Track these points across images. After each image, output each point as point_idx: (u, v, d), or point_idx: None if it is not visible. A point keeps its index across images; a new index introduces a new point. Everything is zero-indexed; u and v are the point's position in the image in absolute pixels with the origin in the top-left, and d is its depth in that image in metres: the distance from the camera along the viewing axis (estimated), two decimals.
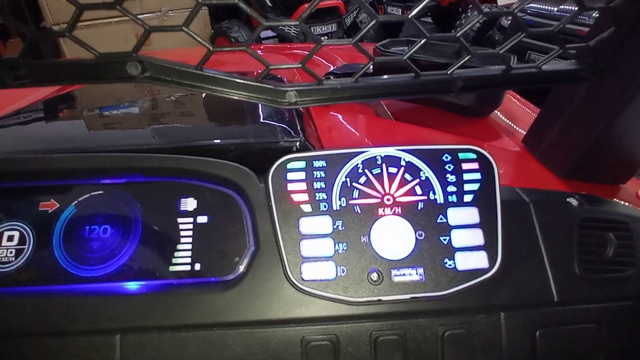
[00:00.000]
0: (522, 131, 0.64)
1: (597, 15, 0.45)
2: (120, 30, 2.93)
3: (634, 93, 0.43)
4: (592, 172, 0.52)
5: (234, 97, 0.35)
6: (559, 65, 0.42)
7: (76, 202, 0.41)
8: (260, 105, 0.59)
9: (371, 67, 0.69)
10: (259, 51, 1.29)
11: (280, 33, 4.24)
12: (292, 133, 0.50)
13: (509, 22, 3.37)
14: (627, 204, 0.48)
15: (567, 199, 0.45)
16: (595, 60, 0.42)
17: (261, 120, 0.56)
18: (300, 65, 0.34)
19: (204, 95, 0.67)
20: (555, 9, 2.87)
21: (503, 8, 0.36)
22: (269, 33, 4.30)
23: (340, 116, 0.66)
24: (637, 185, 0.55)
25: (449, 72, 0.37)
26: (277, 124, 0.53)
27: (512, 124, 0.70)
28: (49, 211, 0.40)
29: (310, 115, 0.64)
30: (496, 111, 0.74)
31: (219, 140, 0.48)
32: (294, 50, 1.29)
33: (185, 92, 0.67)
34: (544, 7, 2.96)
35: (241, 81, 0.34)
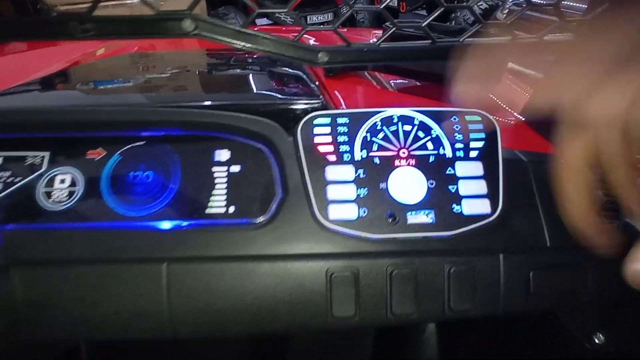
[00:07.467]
0: (510, 106, 0.69)
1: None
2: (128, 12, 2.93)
3: None
4: None
5: (272, 55, 0.39)
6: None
7: (121, 150, 0.45)
8: (282, 74, 0.64)
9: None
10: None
11: (276, 21, 4.26)
12: (314, 95, 0.55)
13: (504, 15, 3.43)
14: None
15: None
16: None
17: (285, 85, 0.61)
18: (332, 28, 0.38)
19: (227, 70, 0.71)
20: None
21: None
22: (265, 21, 4.32)
23: (351, 87, 0.70)
24: None
25: (461, 40, 0.42)
26: (299, 88, 0.58)
27: (510, 100, 0.75)
28: (97, 158, 0.44)
29: (323, 86, 0.69)
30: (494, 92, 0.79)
31: (249, 101, 0.52)
32: (290, 34, 1.34)
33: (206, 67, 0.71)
34: None
35: (279, 40, 0.39)
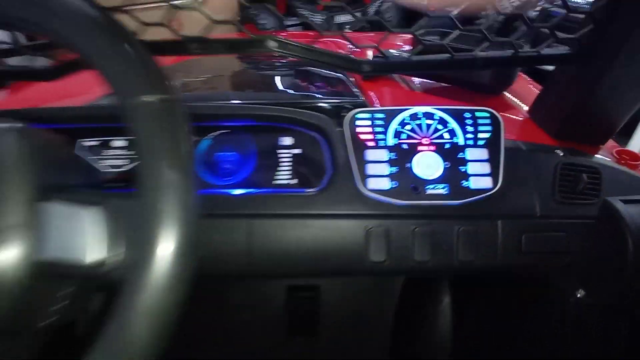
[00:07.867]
0: (527, 107, 0.80)
1: (583, 17, 0.62)
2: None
3: (608, 72, 0.58)
4: (579, 134, 0.68)
5: (327, 65, 0.53)
6: (554, 50, 0.59)
7: (210, 136, 0.59)
8: (329, 78, 0.78)
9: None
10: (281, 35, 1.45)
11: (305, 21, 4.39)
12: (355, 95, 0.68)
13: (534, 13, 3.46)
14: (600, 156, 0.65)
15: (555, 150, 0.62)
16: (581, 47, 0.59)
17: (332, 87, 0.75)
18: (376, 46, 0.51)
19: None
20: None
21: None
22: (294, 20, 4.46)
23: (383, 89, 0.83)
24: (614, 146, 0.72)
25: (475, 55, 0.54)
26: (343, 90, 0.71)
27: (520, 101, 0.87)
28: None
29: (361, 87, 0.82)
30: (509, 93, 0.91)
31: (307, 100, 0.66)
32: (324, 39, 1.46)
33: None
34: None
35: (333, 54, 0.52)
